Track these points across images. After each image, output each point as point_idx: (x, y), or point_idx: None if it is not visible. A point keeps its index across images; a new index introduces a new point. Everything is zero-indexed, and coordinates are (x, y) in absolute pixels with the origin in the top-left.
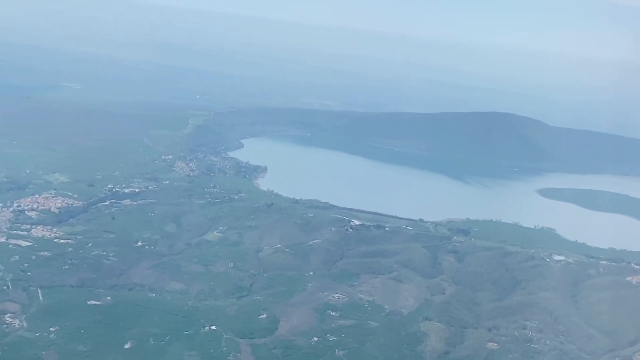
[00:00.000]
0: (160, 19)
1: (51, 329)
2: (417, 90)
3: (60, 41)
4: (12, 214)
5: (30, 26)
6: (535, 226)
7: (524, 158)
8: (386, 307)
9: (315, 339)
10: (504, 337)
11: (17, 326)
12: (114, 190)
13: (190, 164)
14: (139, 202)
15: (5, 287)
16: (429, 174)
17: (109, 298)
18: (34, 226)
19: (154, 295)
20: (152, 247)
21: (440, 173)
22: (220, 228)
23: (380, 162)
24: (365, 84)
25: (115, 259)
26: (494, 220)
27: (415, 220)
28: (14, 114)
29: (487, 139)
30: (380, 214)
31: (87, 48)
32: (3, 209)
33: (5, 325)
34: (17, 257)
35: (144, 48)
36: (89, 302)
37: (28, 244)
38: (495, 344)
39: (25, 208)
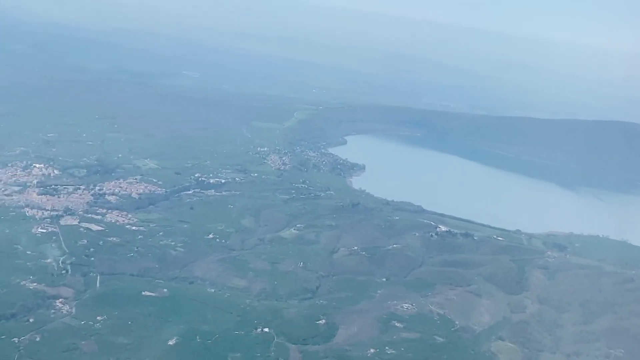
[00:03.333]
0: (288, 13)
1: (98, 317)
2: (547, 96)
3: (190, 30)
4: (91, 197)
5: (166, 16)
6: None
7: None
8: (457, 322)
9: (372, 350)
10: None
11: (64, 312)
12: (199, 179)
13: (284, 158)
14: (223, 193)
15: (64, 272)
16: (540, 183)
17: (165, 290)
18: (110, 211)
19: (213, 290)
20: (223, 241)
21: (553, 182)
22: (298, 225)
23: (489, 167)
24: (495, 86)
25: (182, 250)
26: (601, 236)
27: (510, 231)
28: (125, 99)
29: (610, 149)
30: (472, 222)
31: (217, 38)
32: (85, 191)
33: (53, 311)
34: (85, 241)
35: (272, 41)
36: (143, 293)
37: (99, 228)
38: None
39: (107, 192)
